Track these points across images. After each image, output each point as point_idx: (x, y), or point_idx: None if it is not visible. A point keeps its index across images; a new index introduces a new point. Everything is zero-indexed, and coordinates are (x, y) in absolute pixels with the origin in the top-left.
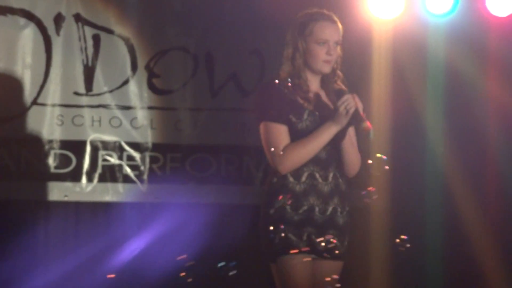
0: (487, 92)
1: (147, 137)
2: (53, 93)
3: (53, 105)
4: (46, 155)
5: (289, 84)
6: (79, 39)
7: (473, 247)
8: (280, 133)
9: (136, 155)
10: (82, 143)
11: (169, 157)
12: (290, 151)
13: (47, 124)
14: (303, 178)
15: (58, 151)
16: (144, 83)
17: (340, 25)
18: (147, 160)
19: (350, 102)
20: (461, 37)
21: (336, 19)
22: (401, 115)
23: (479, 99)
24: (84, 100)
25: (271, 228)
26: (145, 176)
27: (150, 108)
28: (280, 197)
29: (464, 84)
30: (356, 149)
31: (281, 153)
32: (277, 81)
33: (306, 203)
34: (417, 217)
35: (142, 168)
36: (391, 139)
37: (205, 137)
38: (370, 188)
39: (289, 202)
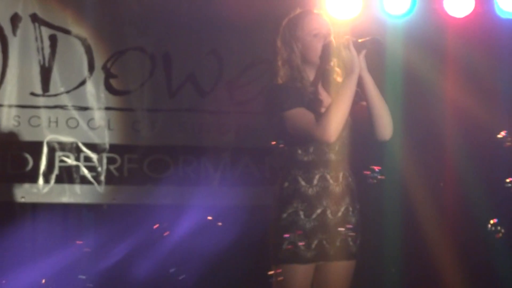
0: (445, 92)
1: (104, 138)
2: (10, 93)
3: (10, 106)
4: (3, 156)
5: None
6: (36, 40)
7: (430, 249)
8: (305, 112)
9: (93, 156)
10: (39, 144)
11: (127, 158)
12: (326, 117)
13: (4, 125)
14: (315, 181)
15: (15, 152)
16: (101, 83)
17: (327, 19)
18: (104, 161)
19: (344, 41)
20: (418, 38)
21: (320, 12)
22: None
23: (436, 99)
24: (41, 101)
25: (281, 233)
26: (102, 177)
27: (107, 108)
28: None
29: (422, 85)
30: (384, 102)
31: (319, 123)
32: (280, 82)
33: (319, 205)
34: (375, 219)
35: (99, 169)
36: None
37: (163, 138)
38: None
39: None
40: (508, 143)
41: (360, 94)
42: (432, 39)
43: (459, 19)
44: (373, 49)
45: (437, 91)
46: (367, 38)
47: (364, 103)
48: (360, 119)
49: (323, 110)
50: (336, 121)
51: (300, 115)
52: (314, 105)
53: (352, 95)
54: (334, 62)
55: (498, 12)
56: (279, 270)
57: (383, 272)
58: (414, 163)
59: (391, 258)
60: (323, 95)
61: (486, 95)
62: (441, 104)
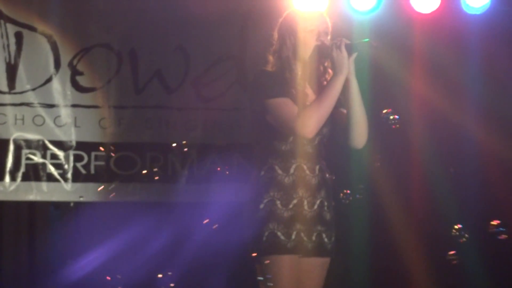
0: (411, 88)
1: (71, 135)
2: None
3: None
4: None
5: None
6: (1, 37)
7: (397, 245)
8: (289, 103)
9: (60, 154)
10: (5, 142)
11: (93, 156)
12: (308, 112)
13: None
14: (291, 170)
15: None
16: (68, 80)
17: (327, 17)
18: (71, 158)
19: (336, 42)
20: (385, 34)
21: (322, 11)
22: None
23: (403, 95)
24: (7, 98)
25: (259, 224)
26: (69, 175)
27: (73, 106)
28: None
29: (388, 81)
30: (364, 111)
31: (300, 117)
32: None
33: (295, 195)
34: (342, 215)
35: (66, 166)
36: None
37: (130, 135)
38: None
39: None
40: (394, 126)
41: (342, 100)
42: (398, 35)
43: (425, 15)
44: (365, 52)
45: (403, 86)
46: (359, 41)
47: (343, 110)
48: (337, 125)
49: (308, 103)
50: (317, 117)
51: (283, 105)
52: (300, 98)
53: (337, 95)
54: (328, 63)
55: (464, 8)
56: (266, 262)
57: (354, 270)
58: (381, 160)
59: (361, 256)
60: (310, 91)
61: (453, 90)
62: (408, 100)
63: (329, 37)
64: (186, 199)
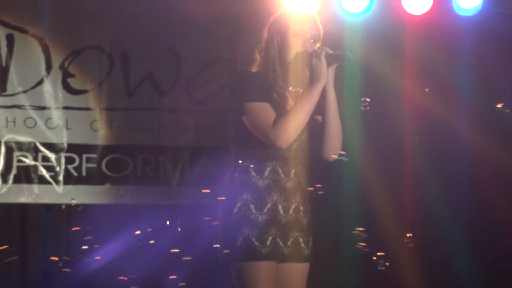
0: (403, 90)
1: (63, 137)
2: None
3: None
4: None
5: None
6: None
7: (388, 245)
8: (267, 109)
9: (52, 156)
10: None
11: (85, 158)
12: (283, 122)
13: None
14: (266, 173)
15: None
16: (59, 83)
17: (319, 23)
18: (63, 160)
19: (317, 50)
20: (377, 36)
21: (315, 16)
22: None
23: (395, 97)
24: None
25: (233, 229)
26: (60, 177)
27: (65, 108)
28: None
29: (380, 83)
30: (340, 124)
31: (275, 127)
32: (253, 70)
33: (269, 199)
34: (334, 216)
35: (57, 169)
36: None
37: (121, 137)
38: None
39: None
40: (364, 108)
41: (321, 107)
42: (390, 37)
43: (417, 16)
44: (344, 65)
45: (395, 88)
46: (340, 52)
47: (319, 117)
48: (312, 133)
49: (288, 107)
50: (291, 128)
51: (261, 111)
52: (281, 100)
53: (313, 105)
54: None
55: (456, 10)
56: (238, 268)
57: (339, 275)
58: (372, 160)
59: (349, 254)
60: (290, 96)
61: (444, 91)
62: (400, 102)
63: (318, 45)
64: (177, 202)
